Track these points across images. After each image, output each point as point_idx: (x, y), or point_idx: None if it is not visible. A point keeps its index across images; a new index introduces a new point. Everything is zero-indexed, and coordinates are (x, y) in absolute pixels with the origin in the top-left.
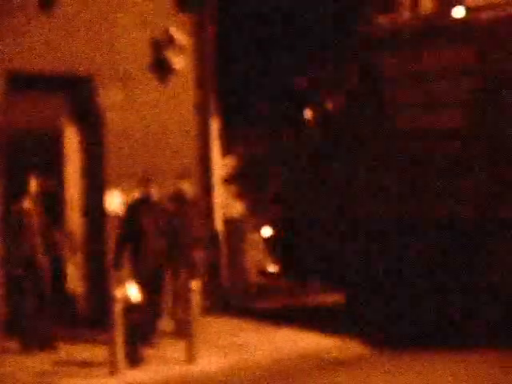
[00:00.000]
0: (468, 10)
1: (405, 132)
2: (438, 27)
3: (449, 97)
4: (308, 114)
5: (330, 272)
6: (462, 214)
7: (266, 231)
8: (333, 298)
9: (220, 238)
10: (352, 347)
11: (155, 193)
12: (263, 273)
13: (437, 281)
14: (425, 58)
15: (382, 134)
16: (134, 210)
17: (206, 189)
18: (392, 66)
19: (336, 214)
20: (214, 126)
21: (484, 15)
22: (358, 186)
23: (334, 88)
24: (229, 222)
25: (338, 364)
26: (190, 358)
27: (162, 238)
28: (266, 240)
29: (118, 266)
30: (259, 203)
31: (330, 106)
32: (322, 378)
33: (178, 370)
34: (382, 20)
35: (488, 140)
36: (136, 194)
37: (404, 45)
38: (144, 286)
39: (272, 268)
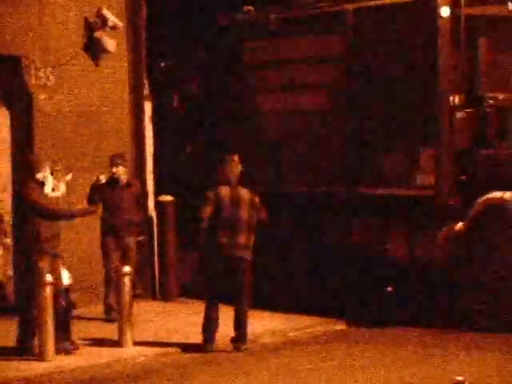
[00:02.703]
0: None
1: (266, 114)
2: (302, 16)
3: (313, 80)
4: (175, 95)
5: None
6: (319, 190)
7: None
8: None
9: (153, 222)
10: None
11: (123, 173)
12: None
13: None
14: (289, 45)
15: (241, 117)
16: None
17: (140, 173)
18: (254, 53)
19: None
20: (148, 108)
21: (349, 6)
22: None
23: (198, 73)
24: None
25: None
26: (122, 342)
27: None
28: None
29: None
30: None
31: (193, 89)
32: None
33: (109, 354)
34: (246, 8)
35: (349, 121)
36: (102, 176)
37: (267, 33)
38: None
39: None
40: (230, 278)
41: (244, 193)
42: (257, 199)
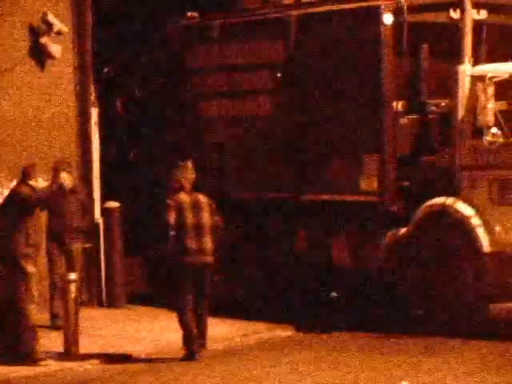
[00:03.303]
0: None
1: (212, 119)
2: (245, 23)
3: (256, 86)
4: (118, 100)
5: None
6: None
7: None
8: None
9: (100, 229)
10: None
11: (68, 180)
12: None
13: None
14: (232, 51)
15: (187, 121)
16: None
17: (86, 179)
18: (198, 58)
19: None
20: (94, 114)
21: (292, 12)
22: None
23: (145, 75)
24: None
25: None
26: (68, 350)
27: None
28: None
29: None
30: None
31: (137, 95)
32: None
33: (55, 363)
34: (190, 14)
35: (292, 127)
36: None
37: (210, 39)
38: None
39: None
40: (194, 283)
41: (202, 198)
42: (213, 204)
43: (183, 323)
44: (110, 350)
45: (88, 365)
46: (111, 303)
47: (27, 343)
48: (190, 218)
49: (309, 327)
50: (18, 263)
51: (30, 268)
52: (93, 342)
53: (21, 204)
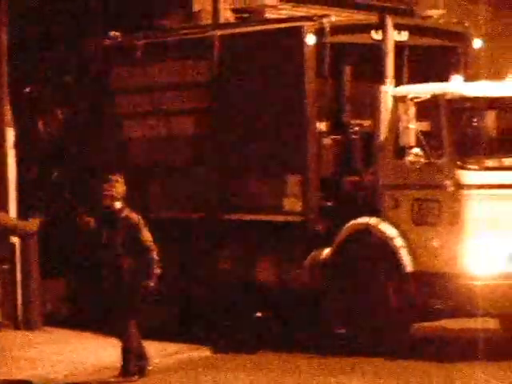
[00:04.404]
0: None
1: (135, 140)
2: (169, 42)
3: (179, 106)
4: (39, 121)
5: None
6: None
7: None
8: None
9: (16, 250)
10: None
11: None
12: None
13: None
14: (156, 71)
15: (110, 143)
16: None
17: (2, 201)
18: (121, 78)
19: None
20: (10, 135)
21: (216, 32)
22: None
23: (65, 98)
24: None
25: None
26: None
27: None
28: None
29: None
30: None
31: (59, 115)
32: None
33: None
34: (113, 33)
35: (216, 147)
36: None
37: (134, 58)
38: None
39: None
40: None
41: (134, 215)
42: (141, 221)
43: (130, 343)
44: (23, 372)
45: None
46: (28, 326)
47: None
48: (127, 236)
49: (230, 348)
50: None
51: None
52: (7, 364)
53: None
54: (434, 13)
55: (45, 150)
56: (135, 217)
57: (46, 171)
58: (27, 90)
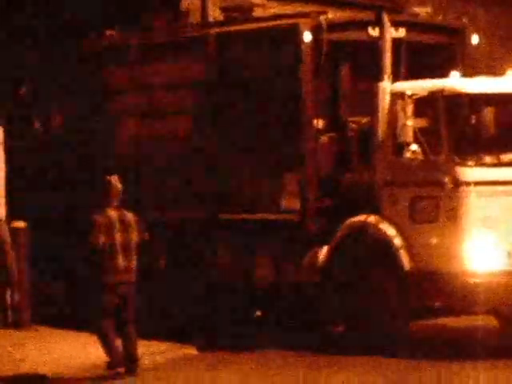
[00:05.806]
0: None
1: (128, 139)
2: (163, 42)
3: (176, 106)
4: (36, 119)
5: None
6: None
7: None
8: None
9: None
10: None
11: None
12: None
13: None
14: (150, 71)
15: (104, 142)
16: None
17: None
18: (116, 78)
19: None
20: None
21: (211, 31)
22: None
23: (59, 97)
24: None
25: None
26: None
27: None
28: None
29: None
30: None
31: (54, 113)
32: None
33: None
34: (108, 33)
35: (212, 146)
36: None
37: (128, 58)
38: None
39: None
40: (119, 303)
41: (129, 215)
42: (138, 221)
43: (106, 340)
44: (7, 372)
45: None
46: (17, 324)
47: None
48: (118, 236)
49: (215, 346)
50: None
51: None
52: None
53: None
54: (422, 10)
55: (41, 149)
56: (130, 216)
57: (41, 171)
58: (23, 89)
